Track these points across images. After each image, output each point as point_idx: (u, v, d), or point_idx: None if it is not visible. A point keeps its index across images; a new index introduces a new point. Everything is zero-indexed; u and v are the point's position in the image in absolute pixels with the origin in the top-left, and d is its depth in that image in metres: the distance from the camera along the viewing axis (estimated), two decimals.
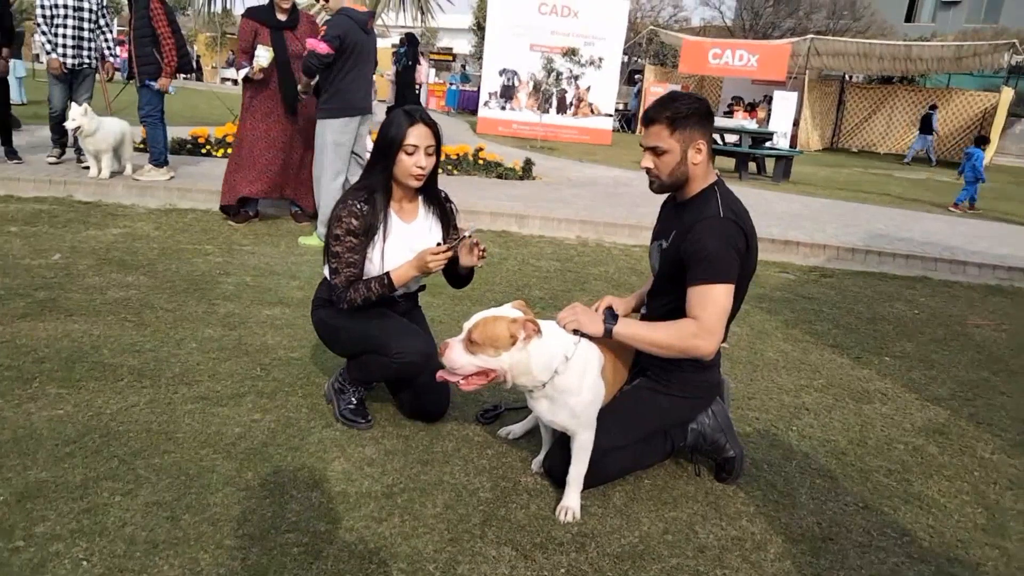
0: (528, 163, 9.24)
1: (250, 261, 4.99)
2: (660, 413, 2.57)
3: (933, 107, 21.17)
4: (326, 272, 2.77)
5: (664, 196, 2.82)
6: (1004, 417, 3.47)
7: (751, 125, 13.82)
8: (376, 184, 2.74)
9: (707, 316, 2.35)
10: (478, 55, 30.14)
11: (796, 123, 20.36)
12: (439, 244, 2.64)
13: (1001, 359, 4.33)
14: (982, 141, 11.87)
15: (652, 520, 2.38)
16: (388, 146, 2.69)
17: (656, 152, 2.46)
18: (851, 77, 25.94)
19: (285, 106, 5.75)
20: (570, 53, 15.33)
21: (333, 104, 5.25)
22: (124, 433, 2.62)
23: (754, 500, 2.55)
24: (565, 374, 2.33)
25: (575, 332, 2.41)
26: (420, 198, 2.87)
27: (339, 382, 2.90)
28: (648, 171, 2.53)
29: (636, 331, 2.42)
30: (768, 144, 13.36)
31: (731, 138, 13.16)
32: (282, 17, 5.68)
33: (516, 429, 2.86)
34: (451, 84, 26.34)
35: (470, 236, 2.75)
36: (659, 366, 2.53)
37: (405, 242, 2.75)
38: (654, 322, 2.48)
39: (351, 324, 2.75)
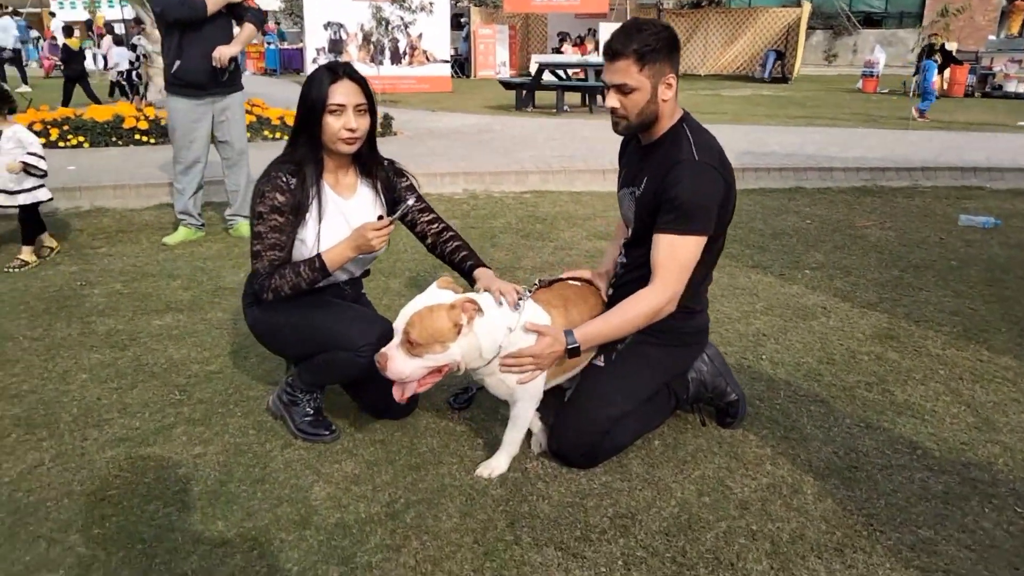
0: (387, 118, 8.70)
1: (113, 265, 4.29)
2: (660, 368, 2.40)
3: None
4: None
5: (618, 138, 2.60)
6: (934, 311, 3.61)
7: (592, 59, 13.87)
8: (304, 156, 2.33)
9: (667, 273, 2.21)
10: (291, 11, 28.33)
11: None
12: (381, 218, 2.28)
13: (902, 256, 4.54)
14: (932, 53, 12.02)
15: (681, 483, 2.21)
16: (311, 110, 2.28)
17: (623, 90, 2.21)
18: (663, 3, 26.76)
19: None
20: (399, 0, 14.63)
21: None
22: (39, 504, 2.09)
23: (766, 441, 2.45)
24: (511, 347, 2.12)
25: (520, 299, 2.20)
26: (358, 169, 2.47)
27: (288, 393, 2.49)
28: (613, 111, 2.28)
29: (600, 330, 2.24)
30: None
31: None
32: None
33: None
34: (268, 44, 24.56)
35: (411, 205, 2.45)
36: None
37: (345, 221, 2.37)
38: (611, 311, 2.29)
39: (297, 319, 2.34)
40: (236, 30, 4.63)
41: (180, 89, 4.50)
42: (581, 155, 7.47)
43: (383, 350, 2.03)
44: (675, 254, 2.21)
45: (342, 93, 2.26)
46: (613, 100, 2.25)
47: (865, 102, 14.48)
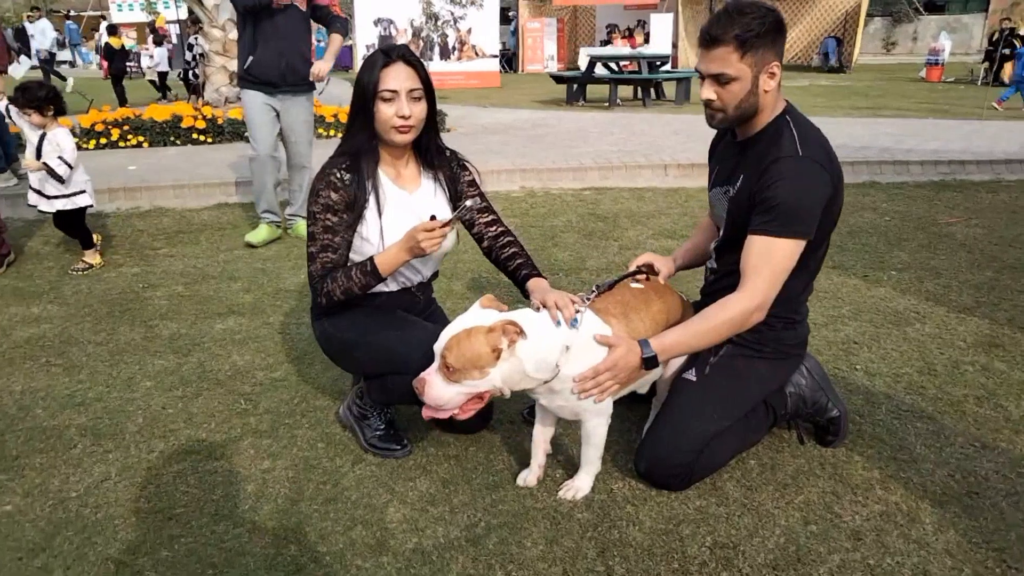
0: (440, 114, 8.60)
1: (174, 267, 4.26)
2: (758, 381, 2.21)
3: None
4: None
5: (716, 132, 2.40)
6: None
7: (645, 51, 13.60)
8: (359, 147, 2.20)
9: (758, 278, 2.00)
10: (342, 6, 28.51)
11: (674, 45, 20.38)
12: (432, 218, 2.08)
13: (994, 256, 4.25)
14: (1012, 40, 11.66)
15: (784, 509, 2.03)
16: (362, 95, 2.15)
17: (720, 81, 2.01)
18: None
19: None
20: None
21: None
22: (107, 522, 2.01)
23: (873, 462, 2.25)
24: (570, 365, 1.94)
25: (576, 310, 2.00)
26: (420, 161, 2.33)
27: (358, 407, 2.38)
28: (709, 103, 2.08)
29: (681, 338, 2.05)
30: (664, 68, 13.19)
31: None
32: None
33: None
34: (318, 41, 24.75)
35: (470, 206, 2.27)
36: None
37: (411, 213, 2.22)
38: (693, 318, 2.11)
39: (368, 338, 2.22)
40: (315, 30, 4.61)
41: (252, 84, 4.44)
42: (641, 150, 7.26)
43: (422, 375, 1.88)
44: (770, 257, 2.02)
45: (395, 78, 2.10)
46: (709, 91, 2.06)
47: (931, 91, 13.90)
